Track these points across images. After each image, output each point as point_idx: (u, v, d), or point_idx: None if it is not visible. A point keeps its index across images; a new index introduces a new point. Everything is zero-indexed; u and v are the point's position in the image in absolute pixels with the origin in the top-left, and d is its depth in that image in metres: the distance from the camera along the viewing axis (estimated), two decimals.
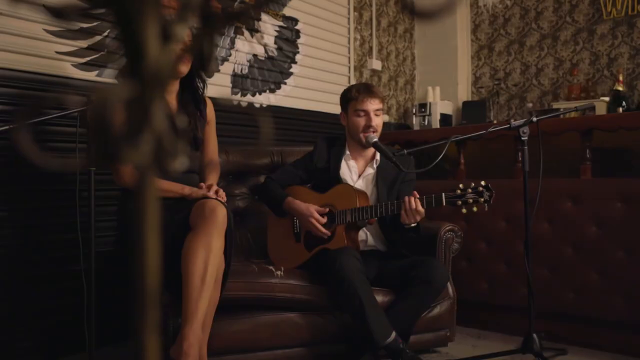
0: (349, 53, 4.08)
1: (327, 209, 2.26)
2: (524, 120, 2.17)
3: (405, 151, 2.13)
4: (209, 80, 3.10)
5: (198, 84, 2.17)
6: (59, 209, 2.32)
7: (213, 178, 2.26)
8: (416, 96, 4.87)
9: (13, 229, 2.23)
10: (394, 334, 2.06)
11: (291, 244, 2.35)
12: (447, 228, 2.52)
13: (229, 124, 3.17)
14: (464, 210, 1.99)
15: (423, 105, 4.44)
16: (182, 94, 2.16)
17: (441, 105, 4.45)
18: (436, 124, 4.36)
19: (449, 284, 2.50)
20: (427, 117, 4.41)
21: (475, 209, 1.98)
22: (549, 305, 2.59)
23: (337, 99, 3.91)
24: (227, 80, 3.21)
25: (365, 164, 2.39)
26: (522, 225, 2.65)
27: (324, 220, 2.23)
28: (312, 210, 2.23)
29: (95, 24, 2.57)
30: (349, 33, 4.07)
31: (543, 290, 2.60)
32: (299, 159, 2.52)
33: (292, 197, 2.31)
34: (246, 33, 3.32)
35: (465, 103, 4.58)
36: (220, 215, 1.87)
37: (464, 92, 4.76)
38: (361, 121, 2.32)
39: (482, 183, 1.98)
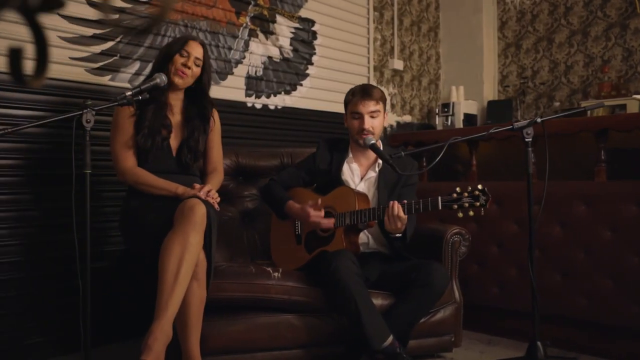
0: (369, 53, 4.05)
1: (319, 200, 2.24)
2: (527, 121, 2.11)
3: (402, 153, 2.10)
4: (223, 83, 3.17)
5: (207, 104, 2.22)
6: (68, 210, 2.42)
7: (213, 183, 2.28)
8: (441, 96, 4.79)
9: (19, 228, 2.34)
10: (391, 337, 2.04)
11: (292, 245, 2.36)
12: (454, 231, 2.48)
13: (239, 125, 3.21)
14: (460, 215, 1.94)
15: (446, 105, 4.37)
16: (188, 107, 2.21)
17: (465, 105, 4.36)
18: (459, 124, 4.28)
19: (454, 287, 2.47)
20: (450, 117, 4.33)
21: (471, 213, 1.94)
22: (561, 311, 2.50)
23: None
24: (241, 83, 3.25)
25: (367, 167, 2.38)
26: (534, 228, 2.58)
27: (322, 213, 2.22)
28: (307, 209, 2.22)
29: (108, 29, 2.65)
30: (368, 33, 4.05)
31: (555, 295, 2.52)
32: (302, 160, 2.52)
33: (292, 201, 2.32)
34: (260, 35, 3.35)
35: (490, 103, 4.48)
36: (199, 214, 1.89)
37: (490, 91, 4.65)
38: (356, 124, 2.31)
39: (479, 187, 1.94)
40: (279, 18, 3.45)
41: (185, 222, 1.89)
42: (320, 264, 2.13)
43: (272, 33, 3.41)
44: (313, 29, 3.66)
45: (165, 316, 1.79)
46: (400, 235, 2.18)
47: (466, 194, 1.94)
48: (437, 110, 4.45)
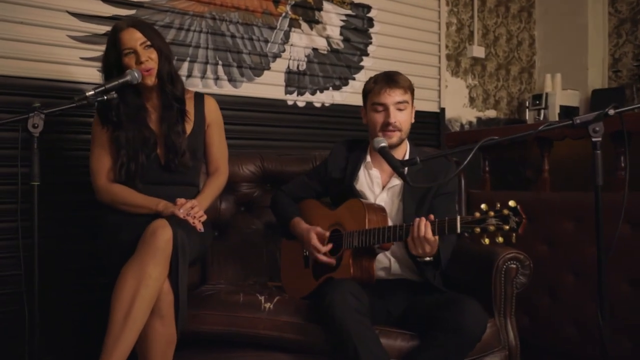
0: (440, 40, 3.52)
1: (328, 233, 1.85)
2: (594, 114, 1.54)
3: (418, 159, 1.63)
4: (258, 80, 2.87)
5: (175, 87, 1.90)
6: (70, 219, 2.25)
7: (208, 191, 1.99)
8: (536, 86, 4.09)
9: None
10: None
11: (300, 269, 1.99)
12: (509, 255, 1.94)
13: (278, 126, 2.90)
14: (486, 241, 1.44)
15: (538, 97, 3.70)
16: (162, 100, 1.92)
17: (562, 96, 3.66)
18: (554, 118, 3.59)
19: (508, 328, 1.94)
20: (542, 111, 3.66)
21: (500, 239, 1.42)
22: None
23: (425, 93, 3.45)
24: (280, 79, 2.93)
25: (390, 174, 1.92)
26: (623, 253, 1.97)
27: (327, 247, 1.83)
28: (311, 235, 1.84)
29: None
30: (439, 17, 3.52)
31: None
32: (315, 167, 2.14)
33: (299, 218, 1.95)
34: (304, 25, 3.00)
35: (596, 92, 3.73)
36: (161, 239, 1.59)
37: (597, 78, 3.87)
38: (379, 117, 1.86)
39: (510, 204, 1.41)
40: (326, 5, 3.07)
41: (145, 249, 1.61)
42: (317, 297, 1.74)
43: (317, 22, 3.05)
44: (369, 15, 3.24)
45: None
46: (430, 259, 1.71)
47: (492, 214, 1.43)
48: (527, 103, 3.80)
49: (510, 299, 1.95)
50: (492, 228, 1.42)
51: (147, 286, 1.57)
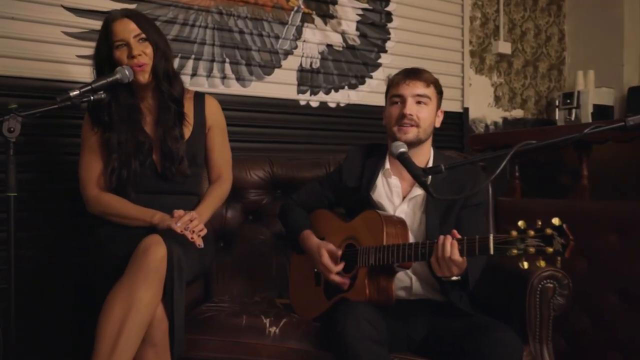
0: (463, 35, 3.31)
1: (340, 252, 1.65)
2: None
3: (443, 167, 1.43)
4: (268, 78, 2.69)
5: (172, 86, 1.72)
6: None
7: (210, 201, 1.81)
8: (566, 84, 3.85)
9: None
10: None
11: (311, 287, 1.80)
12: (546, 273, 1.72)
13: (289, 127, 2.72)
14: (524, 265, 1.23)
15: (568, 96, 3.46)
16: (158, 101, 1.75)
17: (596, 94, 3.41)
18: (587, 117, 3.35)
19: (545, 356, 1.72)
20: (574, 111, 3.42)
21: (541, 263, 1.22)
22: None
23: (447, 92, 3.18)
24: (292, 77, 2.75)
25: (412, 182, 1.71)
26: None
27: (339, 267, 1.64)
28: (322, 252, 1.64)
29: None
30: (462, 11, 3.31)
31: None
32: (329, 174, 1.95)
33: (309, 232, 1.76)
34: (317, 20, 2.80)
35: (633, 90, 3.46)
36: (154, 259, 1.42)
37: (634, 75, 3.61)
38: (395, 110, 1.67)
39: (555, 222, 1.20)
40: None
41: (136, 270, 1.44)
42: (328, 321, 1.55)
43: (332, 16, 2.86)
44: (387, 9, 3.04)
45: None
46: (457, 278, 1.51)
47: (532, 233, 1.22)
48: (557, 102, 3.56)
49: (547, 323, 1.72)
50: (532, 250, 1.21)
51: (137, 312, 1.40)
